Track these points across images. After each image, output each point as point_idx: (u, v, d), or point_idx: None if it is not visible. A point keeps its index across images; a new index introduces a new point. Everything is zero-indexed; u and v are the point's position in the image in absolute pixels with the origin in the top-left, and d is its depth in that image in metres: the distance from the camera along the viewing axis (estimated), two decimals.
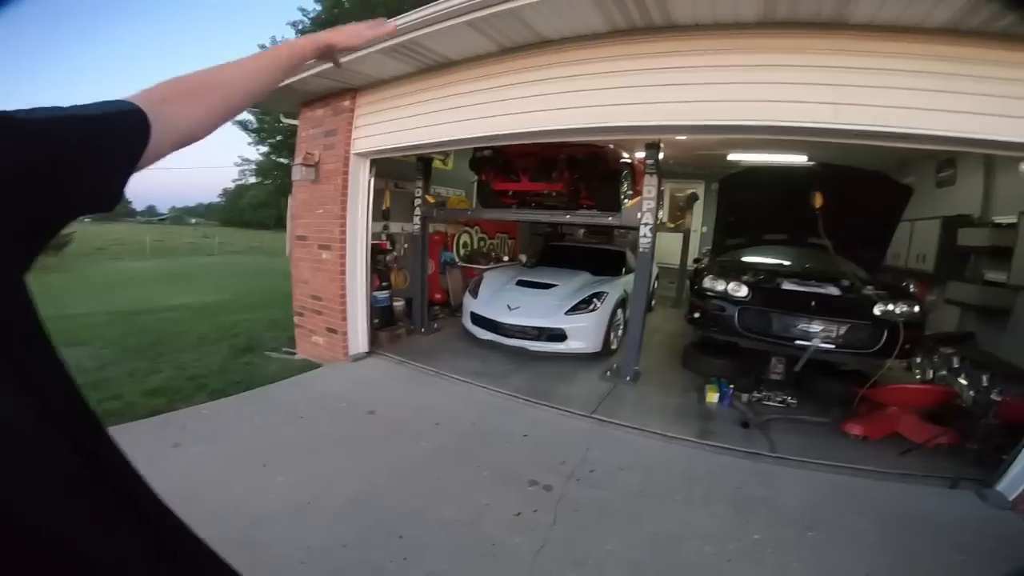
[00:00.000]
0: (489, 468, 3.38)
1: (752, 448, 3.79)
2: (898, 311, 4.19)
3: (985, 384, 4.09)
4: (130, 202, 78.54)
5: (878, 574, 2.47)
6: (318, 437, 3.73)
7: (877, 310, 4.24)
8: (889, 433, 3.92)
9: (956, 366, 4.70)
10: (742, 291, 4.61)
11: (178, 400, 4.29)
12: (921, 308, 4.33)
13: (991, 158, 5.20)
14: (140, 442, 3.46)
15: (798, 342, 4.36)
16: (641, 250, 4.70)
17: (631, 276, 6.36)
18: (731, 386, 4.64)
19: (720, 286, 4.69)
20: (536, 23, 3.56)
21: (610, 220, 4.97)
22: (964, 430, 3.76)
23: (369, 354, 5.56)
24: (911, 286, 5.51)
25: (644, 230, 4.63)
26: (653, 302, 8.27)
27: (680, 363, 5.65)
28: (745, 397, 4.58)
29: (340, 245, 5.18)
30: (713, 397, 4.61)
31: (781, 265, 5.42)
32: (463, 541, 2.63)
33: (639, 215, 4.64)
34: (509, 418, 4.19)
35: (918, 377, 5.22)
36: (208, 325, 7.14)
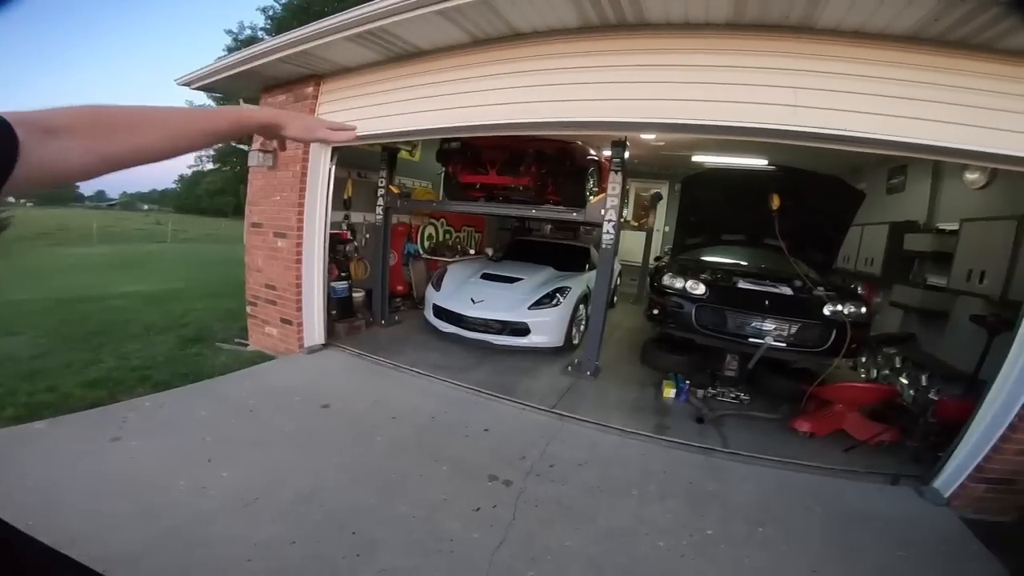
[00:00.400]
0: (448, 463, 3.32)
1: (706, 443, 3.85)
2: (846, 311, 4.33)
3: (924, 384, 4.29)
4: (77, 186, 73.70)
5: (825, 570, 2.53)
6: (268, 431, 3.58)
7: (826, 310, 4.37)
8: (835, 430, 4.06)
9: (898, 366, 4.92)
10: (699, 289, 4.69)
11: (119, 392, 4.05)
12: (867, 309, 4.49)
13: (939, 167, 5.45)
14: (76, 435, 3.27)
15: (752, 340, 4.46)
16: (604, 246, 4.71)
17: (594, 272, 6.41)
18: (687, 382, 4.71)
19: (679, 283, 4.76)
20: (510, 15, 3.50)
21: (575, 216, 4.96)
22: (905, 428, 3.92)
23: (325, 346, 5.38)
24: (859, 288, 5.73)
25: (607, 226, 4.65)
26: (615, 298, 8.34)
27: (639, 359, 5.71)
28: (700, 393, 4.66)
29: (297, 233, 4.99)
30: (670, 392, 4.67)
31: (738, 265, 5.55)
32: (419, 536, 2.56)
33: (603, 212, 4.65)
34: (470, 412, 4.13)
35: (863, 376, 5.44)
36: (156, 314, 6.78)
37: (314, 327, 5.28)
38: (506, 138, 5.22)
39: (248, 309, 5.56)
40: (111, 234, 25.61)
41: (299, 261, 5.03)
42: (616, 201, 4.61)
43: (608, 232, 4.65)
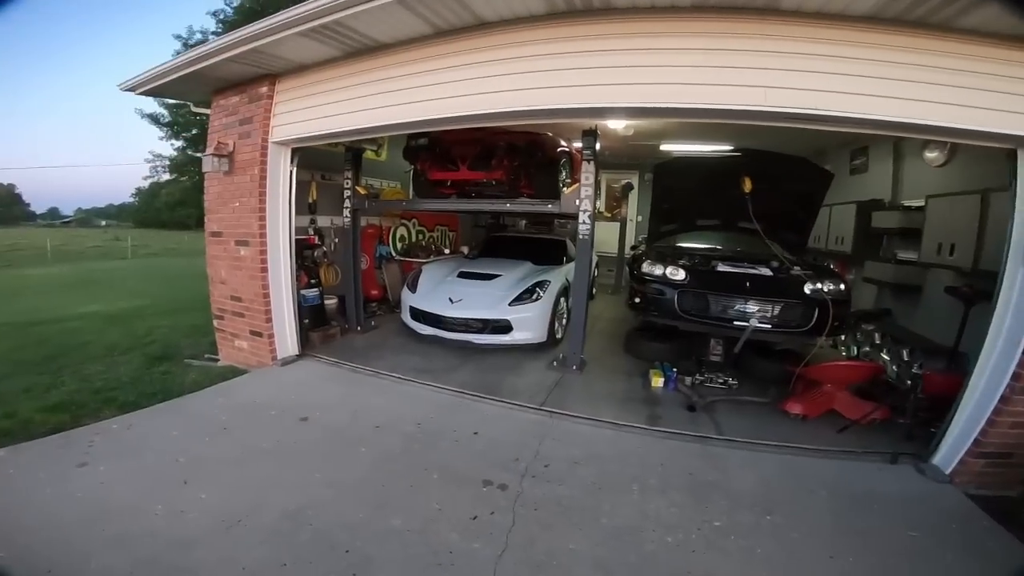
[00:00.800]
0: (438, 470, 3.16)
1: (700, 432, 3.78)
2: (826, 289, 4.31)
3: (906, 359, 4.30)
4: (27, 204, 69.20)
5: (842, 556, 2.45)
6: (245, 449, 3.36)
7: (807, 289, 4.34)
8: (826, 411, 4.01)
9: (877, 342, 4.94)
10: (680, 274, 4.61)
11: (84, 415, 3.78)
12: (846, 286, 4.49)
13: (900, 147, 5.53)
14: (39, 463, 3.04)
15: (736, 323, 4.39)
16: (581, 236, 4.61)
17: (572, 265, 6.30)
18: (674, 370, 4.63)
19: (658, 270, 4.68)
20: (474, 3, 3.34)
21: (550, 208, 4.82)
22: (894, 405, 3.92)
23: (300, 357, 5.12)
24: (832, 266, 5.79)
25: (583, 216, 4.56)
26: (594, 290, 8.26)
27: (623, 349, 5.61)
28: (688, 380, 4.58)
29: (260, 240, 4.69)
30: (658, 382, 4.60)
31: (715, 249, 5.50)
32: (416, 551, 2.41)
33: (577, 202, 4.55)
34: (456, 416, 3.96)
35: (844, 354, 5.47)
36: (119, 333, 6.36)
37: (286, 337, 5.00)
38: (475, 131, 5.06)
39: (215, 323, 5.23)
40: (67, 253, 24.32)
41: (264, 270, 4.74)
42: (590, 191, 4.52)
43: (584, 222, 4.56)
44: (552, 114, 3.71)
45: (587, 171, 4.52)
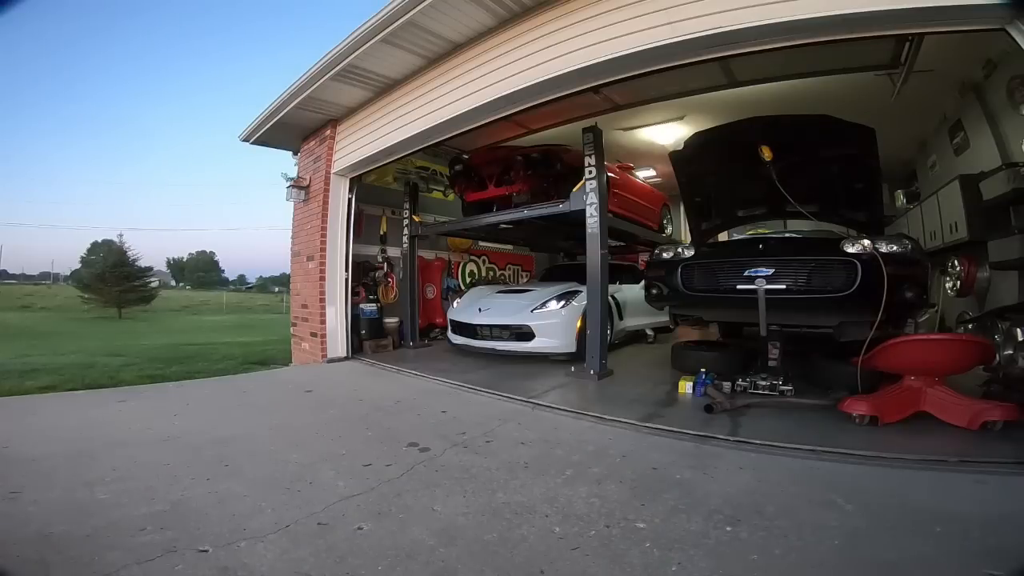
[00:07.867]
0: (377, 431, 2.92)
1: (705, 432, 2.79)
2: (883, 248, 3.01)
3: None
4: (223, 271, 78.59)
5: None
6: (242, 401, 3.65)
7: (848, 247, 3.10)
8: (911, 414, 2.69)
9: (1021, 339, 3.30)
10: (689, 252, 3.72)
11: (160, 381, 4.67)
12: (913, 244, 3.13)
13: (990, 108, 4.06)
14: (141, 401, 3.70)
15: (739, 287, 3.29)
16: (589, 231, 4.12)
17: (630, 286, 5.63)
18: (713, 376, 3.61)
19: (667, 254, 3.85)
20: (444, 32, 3.71)
21: (560, 208, 4.42)
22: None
23: (347, 359, 5.33)
24: (956, 262, 4.28)
25: (590, 210, 4.12)
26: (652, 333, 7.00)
27: (671, 364, 4.60)
28: (727, 385, 3.50)
29: (321, 254, 5.24)
30: (685, 388, 3.63)
31: (767, 238, 4.37)
32: (282, 475, 2.24)
33: (585, 197, 4.16)
34: (439, 400, 3.64)
35: None
36: (239, 351, 7.50)
37: (337, 340, 5.29)
38: (497, 151, 5.05)
39: (291, 330, 5.77)
40: (239, 307, 30.39)
41: (323, 278, 5.26)
42: (595, 184, 4.11)
43: (592, 216, 4.09)
44: (533, 92, 3.68)
45: (591, 164, 4.16)
